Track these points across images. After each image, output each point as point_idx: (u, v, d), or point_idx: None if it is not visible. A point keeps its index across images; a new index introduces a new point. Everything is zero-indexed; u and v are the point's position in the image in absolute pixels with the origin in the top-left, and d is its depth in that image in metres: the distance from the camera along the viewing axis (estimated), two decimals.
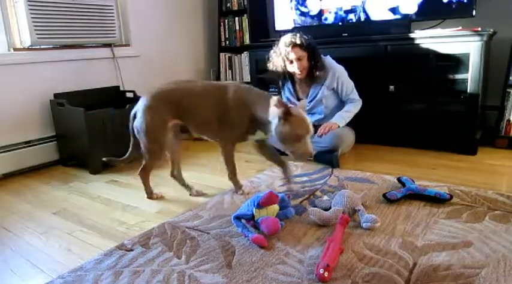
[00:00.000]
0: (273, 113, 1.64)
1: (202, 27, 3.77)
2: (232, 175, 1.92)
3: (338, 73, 2.35)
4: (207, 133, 1.89)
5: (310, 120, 1.66)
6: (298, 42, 2.24)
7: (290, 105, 1.65)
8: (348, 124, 2.42)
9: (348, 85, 2.37)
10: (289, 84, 2.50)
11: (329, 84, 2.36)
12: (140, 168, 1.92)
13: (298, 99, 2.50)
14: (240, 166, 2.37)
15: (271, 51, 2.39)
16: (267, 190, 1.48)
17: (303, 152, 1.64)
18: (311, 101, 2.44)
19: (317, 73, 2.31)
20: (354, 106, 2.38)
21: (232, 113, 1.77)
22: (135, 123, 1.85)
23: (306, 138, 1.63)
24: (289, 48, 2.25)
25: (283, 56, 2.30)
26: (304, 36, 2.27)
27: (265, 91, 1.80)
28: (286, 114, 1.59)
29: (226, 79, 3.73)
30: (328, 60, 2.39)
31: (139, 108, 1.83)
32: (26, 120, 2.51)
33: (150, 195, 1.96)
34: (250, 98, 1.76)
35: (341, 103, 2.45)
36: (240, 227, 1.49)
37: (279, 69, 2.37)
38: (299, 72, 2.31)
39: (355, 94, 2.40)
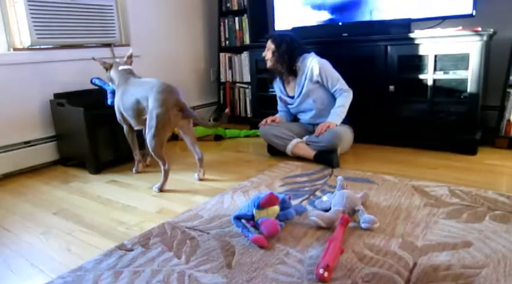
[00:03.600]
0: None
1: (202, 27, 3.77)
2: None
3: (320, 67, 2.37)
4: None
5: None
6: (270, 35, 2.49)
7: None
8: (347, 123, 2.42)
9: (332, 77, 2.39)
10: (280, 85, 2.61)
11: (310, 77, 2.40)
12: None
13: (288, 96, 2.58)
14: (240, 166, 2.39)
15: None
16: (268, 191, 1.48)
17: None
18: (298, 96, 2.49)
19: (283, 67, 2.46)
20: (345, 99, 2.38)
21: None
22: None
23: None
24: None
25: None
26: (285, 34, 2.48)
27: None
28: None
29: (226, 79, 3.74)
30: (311, 56, 2.45)
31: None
32: (26, 120, 2.51)
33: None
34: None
35: (331, 96, 2.46)
36: (240, 227, 1.49)
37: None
38: (266, 59, 2.51)
39: (343, 85, 2.40)
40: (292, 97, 2.54)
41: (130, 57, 2.39)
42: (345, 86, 2.39)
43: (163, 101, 1.97)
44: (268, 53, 2.48)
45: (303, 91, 2.44)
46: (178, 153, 2.81)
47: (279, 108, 2.71)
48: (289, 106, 2.61)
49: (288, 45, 2.42)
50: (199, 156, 2.19)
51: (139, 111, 2.10)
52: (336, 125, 2.33)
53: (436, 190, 1.81)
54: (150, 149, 2.03)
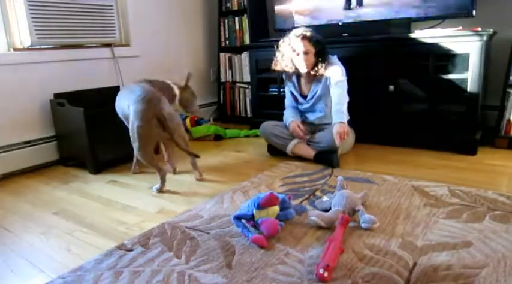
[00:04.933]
0: (176, 88, 2.32)
1: (202, 27, 3.77)
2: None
3: (335, 68, 2.32)
4: None
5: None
6: (308, 35, 2.26)
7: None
8: (349, 125, 2.42)
9: (338, 72, 2.29)
10: (294, 80, 2.48)
11: (329, 80, 2.35)
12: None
13: (301, 95, 2.50)
14: (240, 166, 2.39)
15: (281, 41, 2.39)
16: (268, 191, 1.48)
17: (196, 108, 2.42)
18: (312, 98, 2.43)
19: (320, 71, 2.30)
20: (340, 94, 2.25)
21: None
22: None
23: (196, 99, 2.42)
24: (299, 39, 2.26)
25: (291, 46, 2.30)
26: (315, 34, 2.29)
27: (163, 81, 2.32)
28: (185, 87, 2.35)
29: (226, 79, 3.74)
30: (335, 59, 2.38)
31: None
32: (26, 120, 2.51)
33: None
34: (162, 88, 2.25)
35: None
36: (240, 227, 1.49)
37: (286, 59, 2.36)
38: (304, 66, 2.30)
39: (343, 77, 2.29)
40: (305, 97, 2.48)
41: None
42: (341, 77, 2.29)
43: (142, 113, 1.88)
44: (310, 57, 2.27)
45: (317, 93, 2.38)
46: (177, 152, 2.81)
47: (288, 102, 2.57)
48: (299, 105, 2.53)
49: (326, 47, 2.30)
50: (191, 160, 2.22)
51: (127, 119, 2.07)
52: (345, 130, 2.21)
53: (436, 190, 1.81)
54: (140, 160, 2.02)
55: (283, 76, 2.54)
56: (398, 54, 2.50)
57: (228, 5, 3.60)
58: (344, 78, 2.31)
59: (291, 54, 2.33)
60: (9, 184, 2.30)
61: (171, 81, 2.34)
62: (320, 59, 2.29)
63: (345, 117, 2.25)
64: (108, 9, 2.81)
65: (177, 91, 2.32)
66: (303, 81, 2.47)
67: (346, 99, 2.32)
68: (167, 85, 2.30)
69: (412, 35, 2.42)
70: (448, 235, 1.40)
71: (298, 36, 2.27)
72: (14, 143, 2.45)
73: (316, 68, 2.31)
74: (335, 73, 2.30)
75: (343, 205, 1.54)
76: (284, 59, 2.38)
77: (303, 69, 2.33)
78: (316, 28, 2.90)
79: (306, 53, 2.26)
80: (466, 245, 1.32)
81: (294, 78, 2.48)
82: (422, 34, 2.40)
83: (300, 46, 2.26)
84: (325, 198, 1.71)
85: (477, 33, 2.21)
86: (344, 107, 2.28)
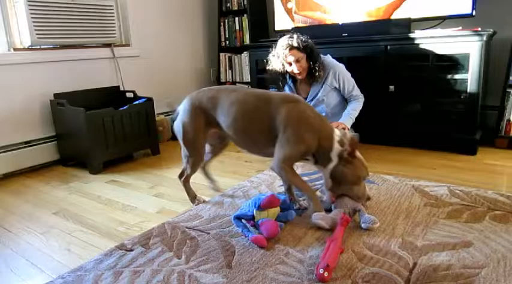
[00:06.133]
0: (336, 150, 1.55)
1: (202, 27, 3.77)
2: (310, 193, 1.61)
3: (338, 72, 2.34)
4: (252, 148, 1.72)
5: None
6: (295, 44, 2.23)
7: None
8: (352, 127, 2.42)
9: (349, 83, 2.37)
10: (290, 83, 2.50)
11: (330, 83, 2.36)
12: (180, 173, 1.86)
13: None
14: (240, 166, 2.39)
15: (270, 55, 2.38)
16: (269, 193, 1.47)
17: (362, 194, 1.58)
18: (311, 100, 2.44)
19: (317, 73, 2.31)
20: (359, 104, 2.39)
21: (289, 130, 1.57)
22: (174, 126, 1.78)
23: (363, 180, 1.59)
24: (287, 51, 2.25)
25: (281, 59, 2.30)
26: (302, 37, 2.26)
27: (322, 115, 1.66)
28: (351, 156, 1.54)
29: (226, 79, 3.74)
30: (329, 59, 2.39)
31: (179, 110, 1.77)
32: (26, 120, 2.51)
33: (194, 199, 1.84)
34: (312, 120, 1.58)
35: (342, 101, 2.45)
36: (240, 227, 1.49)
37: (278, 70, 2.37)
38: (298, 73, 2.32)
39: (357, 91, 2.39)
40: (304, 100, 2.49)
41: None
42: (359, 92, 2.39)
43: None
44: (302, 64, 2.26)
45: (318, 96, 2.39)
46: (179, 151, 2.81)
47: None
48: None
49: (315, 49, 2.29)
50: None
51: None
52: (348, 129, 2.31)
53: (436, 190, 1.81)
54: None
55: (279, 83, 2.53)
56: (399, 54, 2.50)
57: (228, 5, 3.60)
58: (362, 95, 2.40)
59: (282, 65, 2.32)
60: (9, 184, 2.30)
61: (340, 134, 1.57)
62: (313, 61, 2.30)
63: (351, 122, 2.34)
64: (108, 9, 2.81)
65: (335, 157, 1.55)
66: (299, 84, 2.49)
67: (360, 108, 2.39)
68: (326, 136, 1.57)
69: (412, 35, 2.42)
70: (448, 235, 1.40)
71: (285, 48, 2.25)
72: (14, 143, 2.45)
73: (312, 71, 2.32)
74: (354, 89, 2.37)
75: (344, 206, 1.54)
76: (276, 70, 2.37)
77: (299, 76, 2.34)
78: (316, 28, 2.91)
79: (297, 61, 2.26)
80: (466, 245, 1.32)
81: (290, 82, 2.49)
82: (422, 34, 2.39)
83: (290, 56, 2.26)
84: (325, 198, 1.70)
85: (477, 33, 2.21)
86: (355, 114, 2.36)
